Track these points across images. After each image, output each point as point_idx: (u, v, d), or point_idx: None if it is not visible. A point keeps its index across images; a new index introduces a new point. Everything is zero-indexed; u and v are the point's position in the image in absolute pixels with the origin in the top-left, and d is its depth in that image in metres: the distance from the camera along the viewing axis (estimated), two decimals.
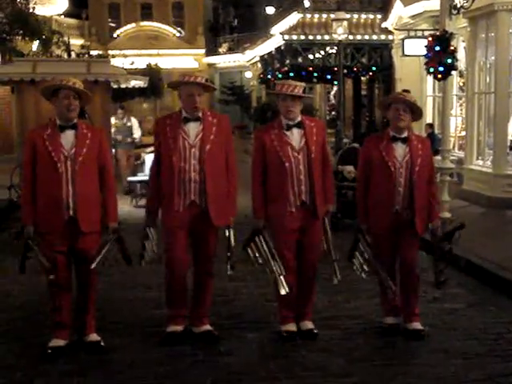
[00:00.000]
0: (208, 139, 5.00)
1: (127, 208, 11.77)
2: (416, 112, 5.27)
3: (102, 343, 5.01)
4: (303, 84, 5.24)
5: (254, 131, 5.56)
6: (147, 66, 23.55)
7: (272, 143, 5.12)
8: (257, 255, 5.10)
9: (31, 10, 14.27)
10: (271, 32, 23.36)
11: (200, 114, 5.06)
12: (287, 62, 20.63)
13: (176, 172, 4.94)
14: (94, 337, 5.05)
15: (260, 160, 5.19)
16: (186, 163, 4.95)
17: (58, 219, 4.80)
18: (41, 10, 16.14)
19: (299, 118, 5.18)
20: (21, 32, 13.84)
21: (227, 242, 5.07)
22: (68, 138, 4.86)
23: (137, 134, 14.07)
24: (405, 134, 5.24)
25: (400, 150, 5.20)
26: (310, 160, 5.08)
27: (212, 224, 5.03)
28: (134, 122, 14.15)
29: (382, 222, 5.23)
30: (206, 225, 5.03)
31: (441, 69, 9.22)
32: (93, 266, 4.85)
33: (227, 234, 5.08)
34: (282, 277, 5.03)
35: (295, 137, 5.13)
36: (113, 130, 14.01)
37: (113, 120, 13.65)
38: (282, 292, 5.04)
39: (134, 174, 13.06)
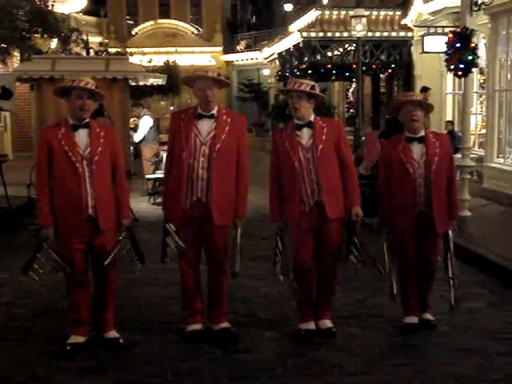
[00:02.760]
0: (219, 138, 4.96)
1: (145, 205, 11.81)
2: (426, 107, 5.26)
3: (121, 340, 5.03)
4: (312, 82, 5.19)
5: (271, 132, 5.52)
6: (165, 63, 23.60)
7: (284, 144, 5.11)
8: (282, 269, 5.15)
9: (50, 8, 14.33)
10: (289, 29, 23.32)
11: (215, 112, 5.03)
12: (305, 59, 20.58)
13: (185, 168, 4.93)
14: (113, 334, 5.07)
15: (275, 162, 5.20)
16: (195, 160, 4.93)
17: (78, 219, 4.82)
18: (60, 8, 16.22)
19: (311, 118, 5.13)
20: (40, 30, 13.90)
21: (233, 243, 5.06)
22: (82, 137, 4.87)
23: (136, 135, 13.43)
24: (421, 134, 5.21)
25: (417, 150, 5.18)
26: (317, 159, 5.03)
27: (213, 224, 4.99)
28: (142, 121, 13.58)
29: (406, 223, 5.18)
30: (213, 223, 5.01)
31: (461, 66, 9.15)
32: (105, 262, 4.88)
33: (234, 234, 5.07)
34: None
35: (305, 136, 5.09)
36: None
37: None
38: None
39: (153, 172, 13.02)
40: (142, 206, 11.68)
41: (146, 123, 13.39)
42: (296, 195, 5.07)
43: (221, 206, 4.97)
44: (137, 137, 13.39)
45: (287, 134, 5.13)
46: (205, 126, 4.99)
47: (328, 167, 5.07)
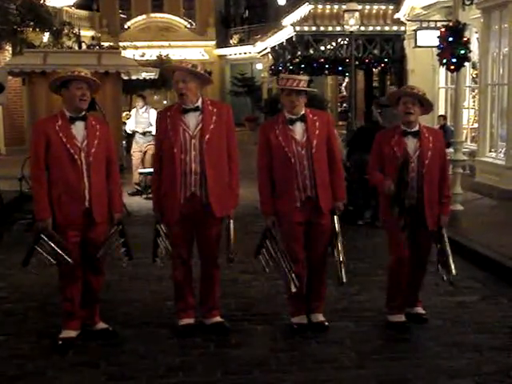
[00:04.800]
0: (208, 129, 4.93)
1: (137, 200, 11.79)
2: (426, 105, 5.22)
3: (111, 328, 5.09)
4: (307, 77, 5.23)
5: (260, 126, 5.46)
6: (158, 57, 23.53)
7: (277, 138, 5.07)
8: (269, 261, 5.12)
9: (42, 2, 14.27)
10: (282, 23, 23.28)
11: (199, 104, 5.00)
12: (298, 53, 20.56)
13: (177, 164, 4.89)
14: (103, 324, 5.12)
15: (266, 155, 5.14)
16: (187, 155, 4.91)
17: (75, 210, 4.82)
18: (52, 2, 16.15)
19: (302, 111, 5.12)
20: (32, 23, 13.83)
21: (227, 233, 5.07)
22: (79, 129, 4.86)
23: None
24: (415, 128, 5.18)
25: (411, 144, 5.15)
26: (311, 155, 5.04)
27: (214, 215, 5.00)
28: (153, 114, 13.29)
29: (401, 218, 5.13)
30: (208, 216, 5.00)
31: (454, 60, 9.16)
32: (98, 254, 4.93)
33: (227, 224, 5.08)
34: (292, 274, 5.03)
35: (298, 131, 5.08)
36: (132, 121, 13.42)
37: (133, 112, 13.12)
38: (293, 289, 5.06)
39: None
40: (134, 200, 11.66)
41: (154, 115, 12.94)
42: (289, 191, 5.06)
43: (219, 197, 4.97)
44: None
45: (280, 129, 5.09)
46: (192, 120, 4.96)
47: (321, 162, 5.08)
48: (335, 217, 5.16)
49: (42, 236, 4.80)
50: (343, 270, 5.08)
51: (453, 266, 5.15)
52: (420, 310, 5.43)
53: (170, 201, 4.97)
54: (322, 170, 5.08)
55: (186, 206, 4.96)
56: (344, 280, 5.08)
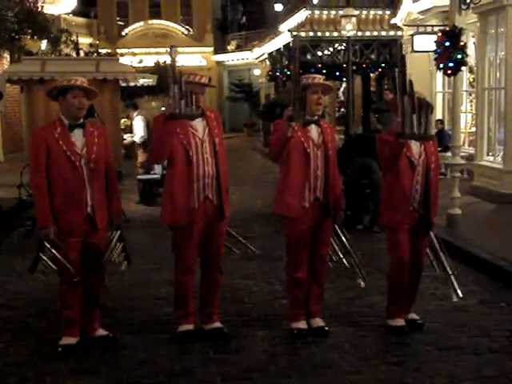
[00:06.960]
0: (214, 133, 5.06)
1: (135, 206, 11.80)
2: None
3: (111, 335, 5.10)
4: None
5: (272, 123, 5.39)
6: (155, 64, 23.58)
7: (296, 134, 5.06)
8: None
9: (40, 9, 14.27)
10: (279, 29, 23.34)
11: (200, 109, 5.08)
12: None
13: (193, 167, 4.94)
14: (103, 331, 5.12)
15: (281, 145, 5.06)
16: (200, 158, 4.97)
17: (77, 217, 4.84)
18: (49, 9, 16.16)
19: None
20: (29, 31, 13.84)
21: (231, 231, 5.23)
22: (77, 136, 4.88)
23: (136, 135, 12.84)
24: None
25: (415, 147, 5.17)
26: (327, 156, 5.12)
27: (224, 218, 5.06)
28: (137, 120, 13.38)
29: (403, 221, 5.15)
30: (218, 220, 5.05)
31: (451, 64, 9.16)
32: (102, 260, 4.99)
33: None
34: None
35: (314, 133, 5.15)
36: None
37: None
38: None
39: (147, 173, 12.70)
40: (132, 206, 11.67)
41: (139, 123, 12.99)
42: (301, 190, 5.08)
43: (227, 199, 5.09)
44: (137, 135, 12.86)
45: (297, 128, 5.06)
46: (198, 125, 5.04)
47: (333, 165, 5.17)
48: (336, 225, 5.27)
49: (46, 243, 4.82)
50: (363, 271, 5.35)
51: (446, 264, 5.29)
52: (415, 315, 5.41)
53: (183, 204, 4.96)
54: (333, 174, 5.17)
55: (199, 211, 4.98)
56: (366, 281, 5.36)
